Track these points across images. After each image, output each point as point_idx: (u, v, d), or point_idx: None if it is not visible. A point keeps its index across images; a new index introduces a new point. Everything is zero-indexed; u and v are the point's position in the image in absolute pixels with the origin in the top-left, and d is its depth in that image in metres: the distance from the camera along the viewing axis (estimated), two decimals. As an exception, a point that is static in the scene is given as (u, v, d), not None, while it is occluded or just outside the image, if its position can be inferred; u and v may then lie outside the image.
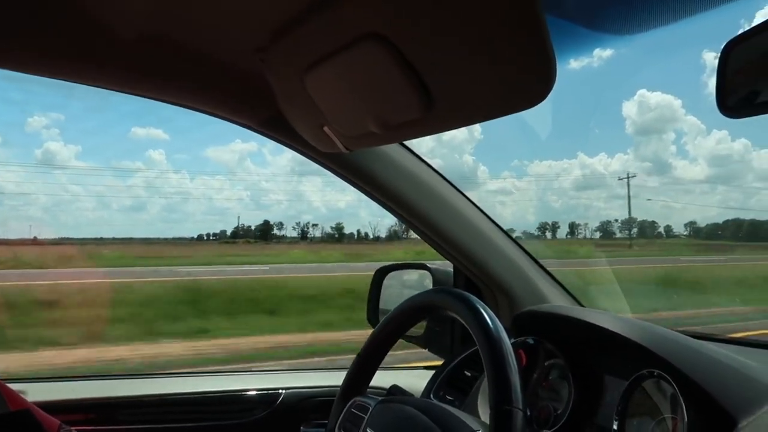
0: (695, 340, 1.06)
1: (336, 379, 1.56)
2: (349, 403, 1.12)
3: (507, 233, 1.56)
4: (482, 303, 0.91)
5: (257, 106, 1.18)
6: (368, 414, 1.05)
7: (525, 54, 0.64)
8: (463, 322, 0.92)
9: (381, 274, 1.81)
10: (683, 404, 0.91)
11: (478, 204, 1.52)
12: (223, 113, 1.21)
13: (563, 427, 1.15)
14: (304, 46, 0.87)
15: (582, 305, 1.55)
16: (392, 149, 1.35)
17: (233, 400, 1.48)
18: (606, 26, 0.87)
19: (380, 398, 1.08)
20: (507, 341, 0.84)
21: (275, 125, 1.22)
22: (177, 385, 1.50)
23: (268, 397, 1.48)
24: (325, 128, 1.03)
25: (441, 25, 0.68)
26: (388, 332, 1.12)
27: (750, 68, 0.71)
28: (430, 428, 0.91)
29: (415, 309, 1.08)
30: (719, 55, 0.71)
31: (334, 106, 0.96)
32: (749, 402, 0.90)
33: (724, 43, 0.71)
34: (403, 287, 1.82)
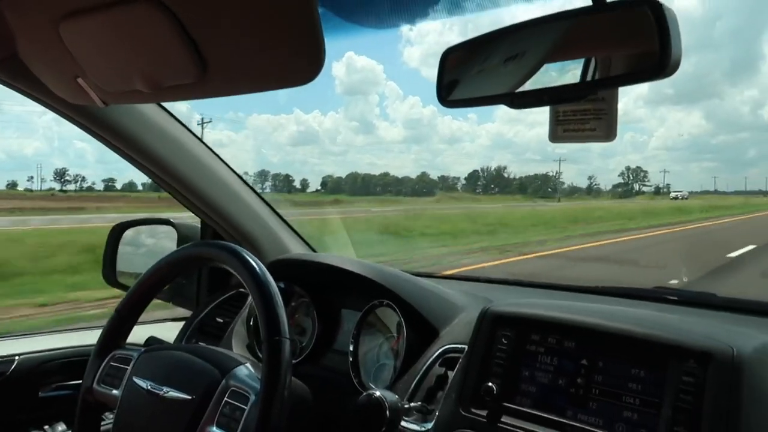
0: (412, 275, 1.36)
1: (75, 339, 1.49)
2: (108, 357, 1.12)
3: (252, 188, 1.67)
4: (249, 253, 1.02)
5: None
6: (132, 365, 1.07)
7: (297, 38, 0.73)
8: (232, 270, 1.01)
9: (119, 229, 1.73)
10: (403, 323, 1.18)
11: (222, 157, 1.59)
12: None
13: (308, 356, 1.35)
14: None
15: (314, 251, 1.77)
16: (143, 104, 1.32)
17: None
18: (356, 18, 1.04)
19: (143, 348, 1.11)
20: (274, 283, 0.97)
21: (8, 68, 1.09)
22: None
23: None
24: (79, 80, 0.97)
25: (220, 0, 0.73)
26: (150, 285, 1.13)
27: (461, 70, 0.94)
28: (204, 367, 0.99)
29: (180, 261, 1.12)
30: (439, 58, 0.93)
31: (95, 60, 0.91)
32: (446, 317, 1.22)
33: (444, 49, 0.93)
34: (143, 244, 1.79)
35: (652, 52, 0.67)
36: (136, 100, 1.03)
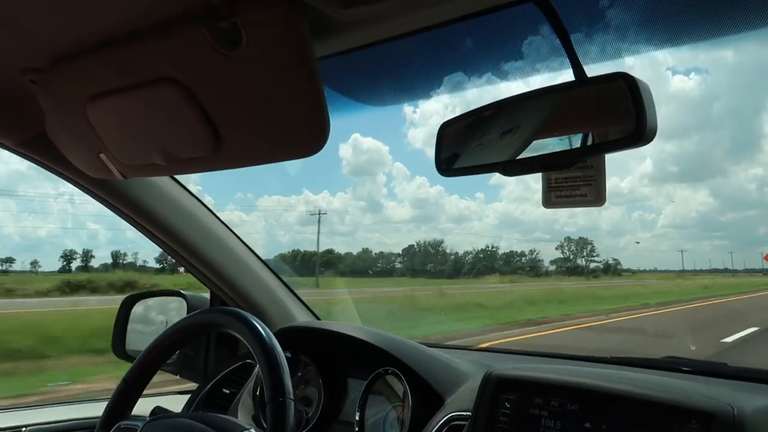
0: (417, 343, 1.36)
1: (81, 411, 1.49)
2: (113, 429, 1.12)
3: (259, 257, 1.71)
4: (255, 318, 1.04)
5: (18, 126, 1.11)
6: None
7: (304, 113, 0.79)
8: (239, 336, 1.03)
9: (129, 302, 1.76)
10: (409, 391, 1.18)
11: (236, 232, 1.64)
12: None
13: (314, 428, 1.34)
14: (91, 76, 0.88)
15: (319, 319, 1.77)
16: (159, 177, 1.39)
17: None
18: (361, 97, 1.12)
19: (148, 418, 1.11)
20: (279, 347, 0.99)
21: (35, 146, 1.17)
22: None
23: None
24: (102, 155, 1.04)
25: (235, 82, 0.80)
26: (159, 353, 1.14)
27: (457, 142, 0.99)
28: None
29: (189, 328, 1.13)
30: (437, 131, 0.99)
31: (117, 136, 0.97)
32: (451, 385, 1.22)
33: (441, 123, 0.99)
34: (158, 315, 1.81)
35: (630, 122, 0.72)
36: (153, 172, 1.09)
